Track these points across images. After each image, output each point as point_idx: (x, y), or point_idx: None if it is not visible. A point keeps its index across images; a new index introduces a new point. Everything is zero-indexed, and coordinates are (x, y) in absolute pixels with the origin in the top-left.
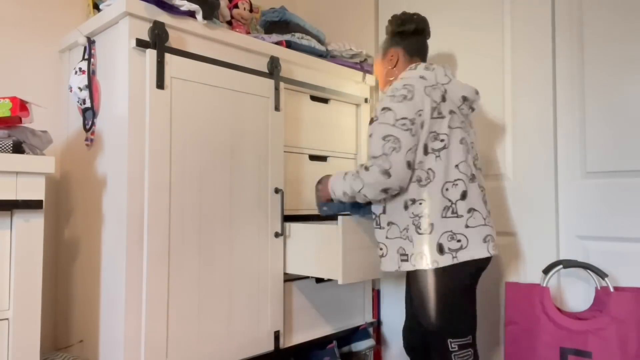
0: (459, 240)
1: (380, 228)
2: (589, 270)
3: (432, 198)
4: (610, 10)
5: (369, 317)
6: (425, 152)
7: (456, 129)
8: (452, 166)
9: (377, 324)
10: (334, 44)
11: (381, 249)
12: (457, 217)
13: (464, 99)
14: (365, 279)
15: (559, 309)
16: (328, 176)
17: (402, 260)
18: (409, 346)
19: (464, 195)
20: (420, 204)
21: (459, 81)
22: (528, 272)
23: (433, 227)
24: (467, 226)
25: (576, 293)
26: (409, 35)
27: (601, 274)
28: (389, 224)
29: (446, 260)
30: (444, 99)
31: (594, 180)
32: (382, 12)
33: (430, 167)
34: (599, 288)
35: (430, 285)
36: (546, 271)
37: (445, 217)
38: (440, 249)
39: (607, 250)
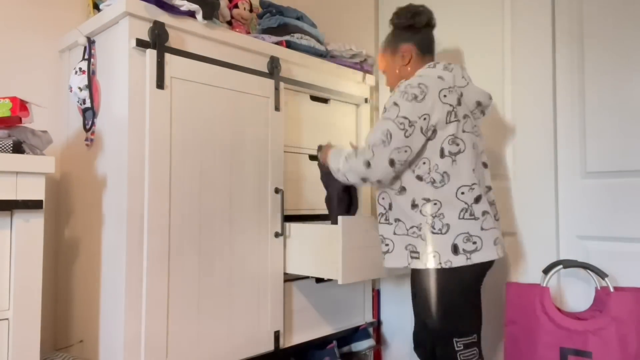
0: (474, 242)
1: (387, 224)
2: (589, 270)
3: (448, 199)
4: (610, 10)
5: (369, 317)
6: (442, 156)
7: (469, 133)
8: (469, 170)
9: (377, 324)
10: (334, 44)
11: (387, 244)
12: (474, 219)
13: (478, 104)
14: (365, 279)
15: (559, 309)
16: (329, 146)
17: (412, 257)
18: (419, 346)
19: (478, 199)
20: (435, 204)
21: (474, 85)
22: (528, 272)
23: (449, 228)
24: (482, 228)
25: (576, 293)
26: (420, 30)
27: (601, 274)
28: (396, 220)
29: (460, 261)
30: (459, 102)
31: (594, 180)
32: (382, 12)
33: (446, 171)
34: (599, 288)
35: (439, 284)
36: (546, 271)
37: (462, 218)
38: (455, 250)
39: (607, 250)
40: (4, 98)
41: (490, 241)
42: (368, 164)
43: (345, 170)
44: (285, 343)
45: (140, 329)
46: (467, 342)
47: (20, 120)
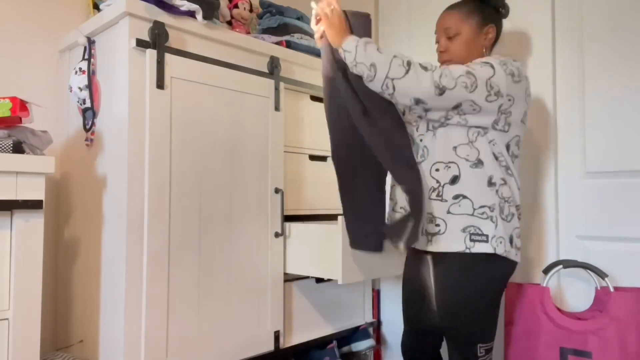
0: (520, 241)
1: (440, 200)
2: (589, 270)
3: (513, 191)
4: (610, 10)
5: (369, 317)
6: (508, 151)
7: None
8: (519, 176)
9: (377, 324)
10: None
11: (438, 225)
12: (519, 220)
13: (524, 114)
14: (365, 279)
15: (559, 309)
16: (339, 24)
17: (472, 240)
18: (415, 354)
19: (518, 208)
20: (510, 189)
21: None
22: (528, 272)
23: (512, 218)
24: (520, 231)
25: (576, 293)
26: (502, 17)
27: (601, 274)
28: (457, 197)
29: (511, 254)
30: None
31: (594, 180)
32: (382, 12)
33: (510, 166)
34: (599, 288)
35: (492, 275)
36: (546, 271)
37: (518, 214)
38: (511, 241)
39: (607, 250)
40: (4, 98)
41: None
42: (440, 89)
43: (393, 72)
44: (285, 343)
45: (140, 329)
46: (488, 348)
47: (20, 120)
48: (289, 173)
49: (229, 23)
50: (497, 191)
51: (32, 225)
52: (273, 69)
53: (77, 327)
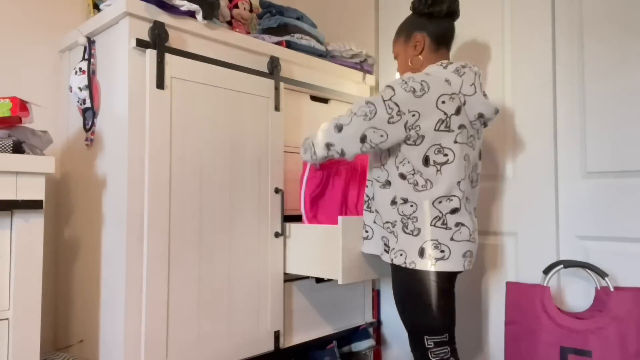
0: (442, 251)
1: (370, 212)
2: (589, 270)
3: (424, 205)
4: (610, 10)
5: (369, 317)
6: (426, 164)
7: (462, 144)
8: (453, 182)
9: (377, 324)
10: (334, 44)
11: (367, 231)
12: (445, 228)
13: (480, 115)
14: (365, 279)
15: (559, 309)
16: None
17: (384, 250)
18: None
19: (454, 211)
20: (412, 206)
21: (481, 96)
22: (528, 272)
23: (420, 232)
24: (452, 239)
25: (576, 293)
26: (438, 19)
27: (601, 274)
28: (376, 211)
29: (423, 265)
30: (458, 111)
31: (594, 180)
32: (382, 12)
33: (429, 178)
34: (599, 288)
35: (404, 281)
36: (546, 271)
37: (434, 225)
38: (422, 253)
39: (607, 250)
40: (4, 98)
41: (459, 253)
42: (340, 128)
43: (313, 135)
44: (285, 343)
45: (140, 329)
46: (438, 341)
47: (20, 120)
48: (289, 173)
49: (229, 23)
50: (397, 209)
51: (32, 225)
52: (273, 69)
53: (77, 327)
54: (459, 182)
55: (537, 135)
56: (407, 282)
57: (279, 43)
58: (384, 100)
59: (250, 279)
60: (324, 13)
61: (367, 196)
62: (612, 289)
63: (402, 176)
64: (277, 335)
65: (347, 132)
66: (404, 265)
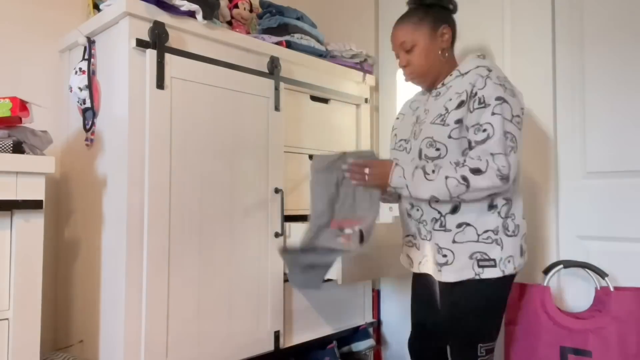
0: (527, 242)
1: (444, 230)
2: (589, 270)
3: (516, 197)
4: (610, 10)
5: (369, 317)
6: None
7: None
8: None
9: (377, 324)
10: (334, 44)
11: (445, 255)
12: (523, 217)
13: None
14: (365, 280)
15: (559, 309)
16: (384, 163)
17: (483, 267)
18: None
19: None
20: (508, 203)
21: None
22: (528, 272)
23: (519, 229)
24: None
25: (576, 293)
26: (452, 13)
27: (601, 274)
28: (461, 225)
29: (523, 262)
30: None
31: (594, 180)
32: (382, 12)
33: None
34: (599, 288)
35: (502, 291)
36: (546, 271)
37: (524, 217)
38: (521, 251)
39: (607, 250)
40: (4, 98)
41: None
42: (506, 178)
43: (458, 192)
44: (285, 343)
45: (140, 329)
46: (489, 348)
47: (20, 120)
48: (289, 173)
49: (229, 23)
50: (498, 212)
51: (32, 225)
52: (273, 69)
53: (77, 327)
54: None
55: (537, 135)
56: (504, 288)
57: (279, 43)
58: (510, 121)
59: (251, 279)
60: (324, 13)
61: (438, 212)
62: (612, 289)
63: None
64: (277, 335)
65: (512, 174)
66: (514, 272)
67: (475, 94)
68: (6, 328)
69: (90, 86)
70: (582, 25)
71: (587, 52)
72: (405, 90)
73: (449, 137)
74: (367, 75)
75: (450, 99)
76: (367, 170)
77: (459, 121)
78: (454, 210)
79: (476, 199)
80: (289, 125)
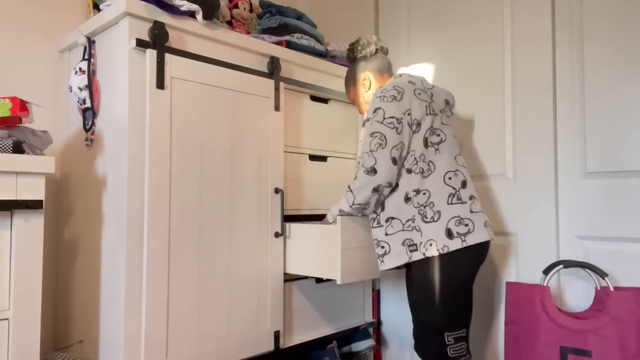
0: (466, 225)
1: (379, 226)
2: (588, 270)
3: (436, 187)
4: (610, 10)
5: (369, 317)
6: (426, 146)
7: (446, 125)
8: (452, 157)
9: (377, 324)
10: (334, 44)
11: (382, 247)
12: (461, 203)
13: (446, 102)
14: (365, 279)
15: (559, 309)
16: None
17: (411, 251)
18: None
19: (464, 184)
20: (424, 193)
21: (439, 87)
22: (528, 272)
23: (440, 214)
24: (471, 211)
25: (576, 293)
26: (372, 57)
27: (601, 274)
28: (388, 219)
29: (456, 244)
30: (432, 99)
31: (594, 180)
32: (382, 12)
33: (431, 160)
34: (598, 288)
35: (436, 272)
36: (546, 271)
37: (451, 203)
38: (449, 234)
39: (607, 250)
40: (4, 98)
41: (480, 223)
42: (374, 171)
43: (355, 195)
44: (285, 343)
45: (140, 329)
46: (457, 336)
47: (20, 120)
48: (289, 173)
49: (229, 23)
50: (412, 203)
51: (32, 225)
52: (273, 69)
53: (77, 327)
54: (455, 157)
55: (537, 135)
56: (438, 270)
57: (279, 43)
58: (381, 123)
59: (250, 279)
60: (324, 13)
61: (375, 212)
62: (612, 289)
63: (409, 171)
64: (277, 335)
65: (379, 167)
66: (437, 253)
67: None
68: (6, 328)
69: (90, 86)
70: (582, 24)
71: (587, 52)
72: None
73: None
74: None
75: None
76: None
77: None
78: (382, 208)
79: (366, 195)
80: (288, 125)
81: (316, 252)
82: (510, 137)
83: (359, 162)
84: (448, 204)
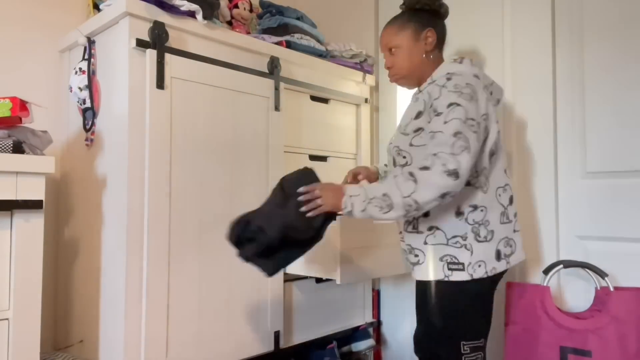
0: (511, 246)
1: (417, 232)
2: (589, 270)
3: (491, 204)
4: (610, 10)
5: (369, 317)
6: (490, 157)
7: (499, 132)
8: (502, 171)
9: (377, 324)
10: (334, 44)
11: (417, 255)
12: (508, 222)
13: (498, 101)
14: (364, 279)
15: (559, 309)
16: (331, 185)
17: (453, 270)
18: (422, 350)
19: (511, 200)
20: (482, 210)
21: (497, 83)
22: (528, 272)
23: (493, 234)
24: (514, 230)
25: (576, 293)
26: (440, 18)
27: (601, 274)
28: (431, 228)
29: (502, 266)
30: (497, 101)
31: (594, 180)
32: (382, 12)
33: (490, 173)
34: (598, 288)
35: (474, 293)
36: (546, 271)
37: (502, 223)
38: (498, 256)
39: (607, 250)
40: (4, 98)
41: (520, 243)
42: (455, 175)
43: (417, 189)
44: (285, 343)
45: (140, 329)
46: (474, 346)
47: (20, 120)
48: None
49: (229, 23)
50: (466, 219)
51: (32, 225)
52: (273, 69)
53: (77, 327)
54: (505, 170)
55: (537, 135)
56: (477, 290)
57: (279, 43)
58: (464, 122)
59: (251, 279)
60: (324, 13)
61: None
62: (612, 289)
63: (467, 183)
64: (277, 335)
65: (463, 173)
66: (486, 276)
67: (432, 105)
68: (6, 328)
69: (90, 86)
70: (582, 24)
71: (587, 52)
72: (405, 90)
73: (411, 145)
74: (367, 75)
75: (417, 108)
76: (317, 192)
77: (419, 129)
78: (426, 214)
79: (431, 198)
80: (288, 125)
81: (316, 251)
82: (510, 137)
83: (397, 152)
84: (500, 223)
